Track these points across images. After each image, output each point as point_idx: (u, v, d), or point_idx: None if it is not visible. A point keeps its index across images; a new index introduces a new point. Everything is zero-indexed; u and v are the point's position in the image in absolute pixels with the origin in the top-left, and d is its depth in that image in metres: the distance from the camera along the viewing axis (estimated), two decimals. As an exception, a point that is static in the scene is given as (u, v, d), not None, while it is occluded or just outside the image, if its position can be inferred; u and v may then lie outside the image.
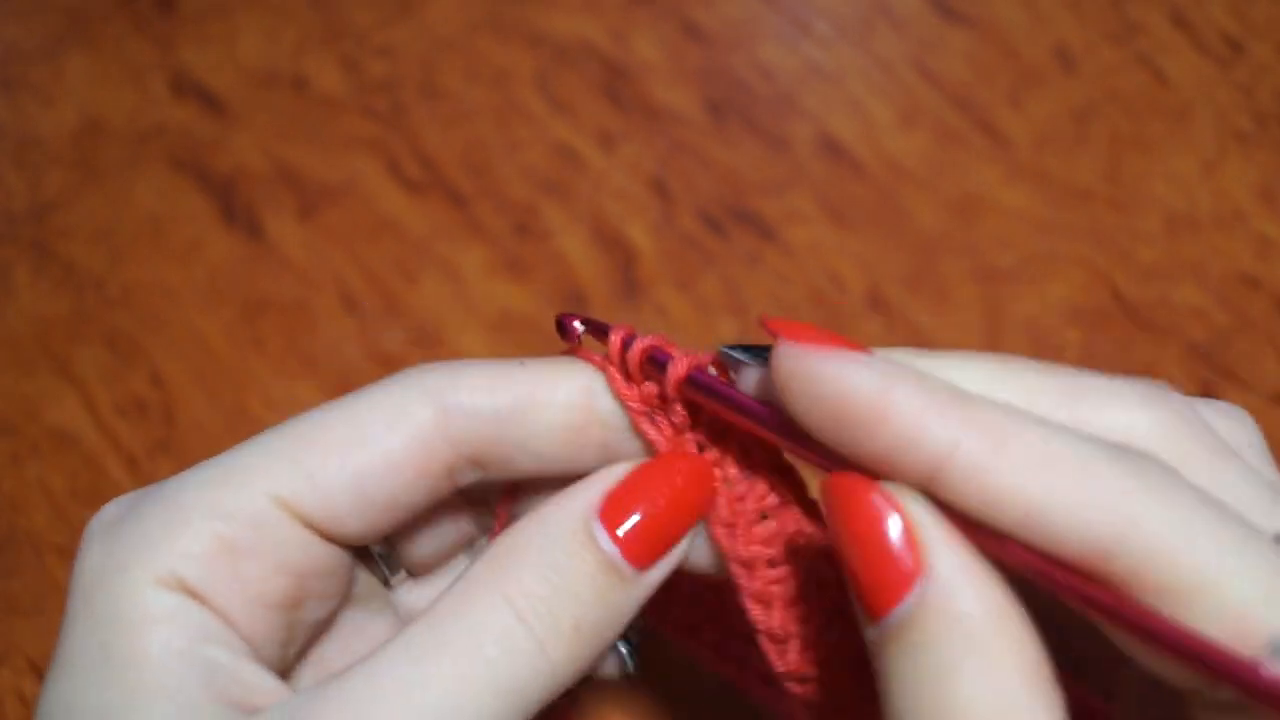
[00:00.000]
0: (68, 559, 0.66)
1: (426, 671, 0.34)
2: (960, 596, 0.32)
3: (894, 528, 0.32)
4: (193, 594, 0.36)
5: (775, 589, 0.39)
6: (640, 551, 0.37)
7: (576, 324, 0.42)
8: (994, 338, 0.69)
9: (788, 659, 0.39)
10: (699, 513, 0.39)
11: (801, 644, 0.39)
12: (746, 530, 0.39)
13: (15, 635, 0.64)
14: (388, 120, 0.79)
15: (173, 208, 0.77)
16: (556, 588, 0.36)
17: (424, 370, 0.40)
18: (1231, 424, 0.38)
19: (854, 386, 0.33)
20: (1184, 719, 0.34)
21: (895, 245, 0.72)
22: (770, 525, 0.39)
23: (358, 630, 0.43)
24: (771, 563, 0.39)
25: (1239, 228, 0.72)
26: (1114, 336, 0.69)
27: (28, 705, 0.62)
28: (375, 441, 0.38)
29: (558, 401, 0.39)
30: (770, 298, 0.71)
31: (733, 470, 0.40)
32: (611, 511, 0.37)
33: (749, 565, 0.39)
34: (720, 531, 0.39)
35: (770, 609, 0.39)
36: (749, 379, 0.39)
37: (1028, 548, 0.32)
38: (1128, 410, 0.36)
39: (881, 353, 0.38)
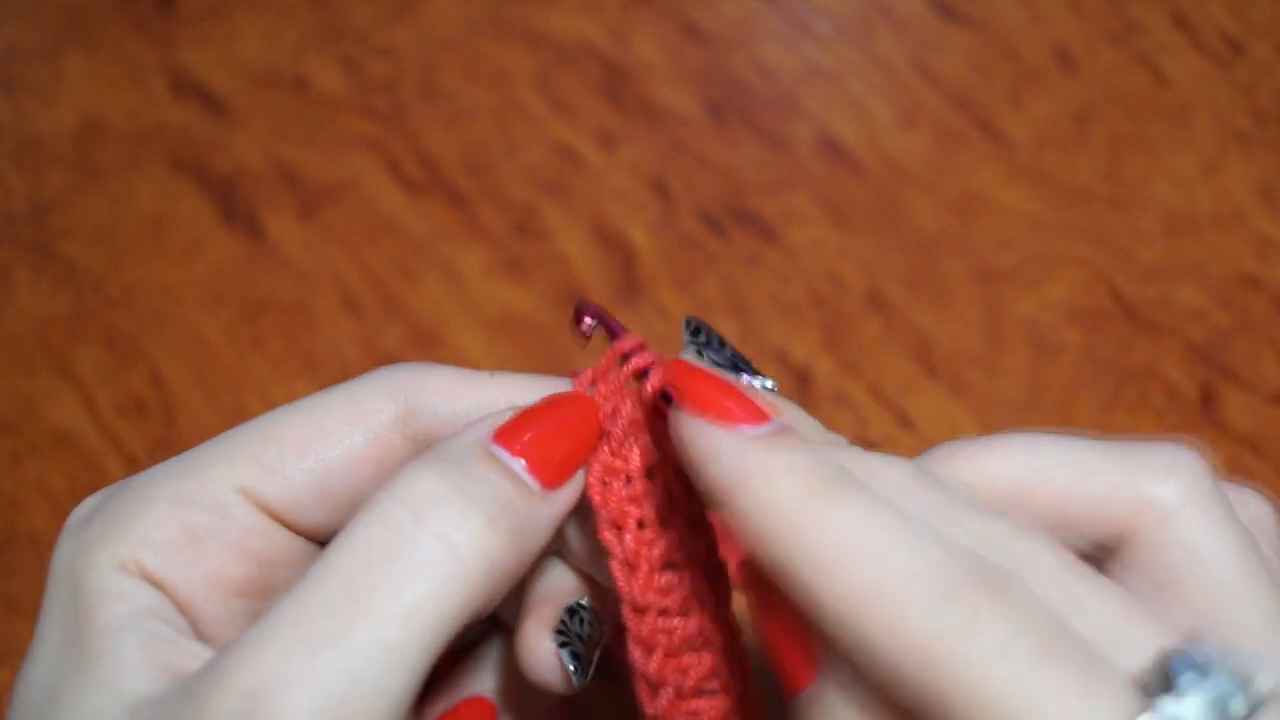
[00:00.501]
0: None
1: (332, 614, 0.33)
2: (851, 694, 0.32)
3: (794, 622, 0.33)
4: (151, 579, 0.37)
5: (660, 637, 0.39)
6: (543, 466, 0.37)
7: (588, 320, 0.42)
8: (994, 338, 0.69)
9: (650, 665, 0.39)
10: (590, 441, 0.39)
11: (675, 695, 0.39)
12: (647, 575, 0.39)
13: (15, 635, 0.64)
14: (388, 120, 0.79)
15: (173, 208, 0.77)
16: (460, 488, 0.35)
17: (392, 370, 0.41)
18: (1257, 509, 0.38)
19: (733, 464, 0.34)
20: None
21: (895, 245, 0.72)
22: (672, 577, 0.39)
23: None
24: (664, 612, 0.39)
25: (1239, 228, 0.72)
26: (1114, 336, 0.69)
27: (28, 705, 0.63)
28: (336, 436, 0.39)
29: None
30: (770, 298, 0.71)
31: (650, 513, 0.39)
32: (507, 435, 0.37)
33: (640, 609, 0.39)
34: (609, 536, 0.39)
35: (651, 655, 0.39)
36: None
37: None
38: (1148, 481, 0.35)
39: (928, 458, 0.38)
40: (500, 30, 0.82)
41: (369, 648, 0.33)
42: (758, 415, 0.35)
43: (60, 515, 0.69)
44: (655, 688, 0.39)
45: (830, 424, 0.69)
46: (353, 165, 0.77)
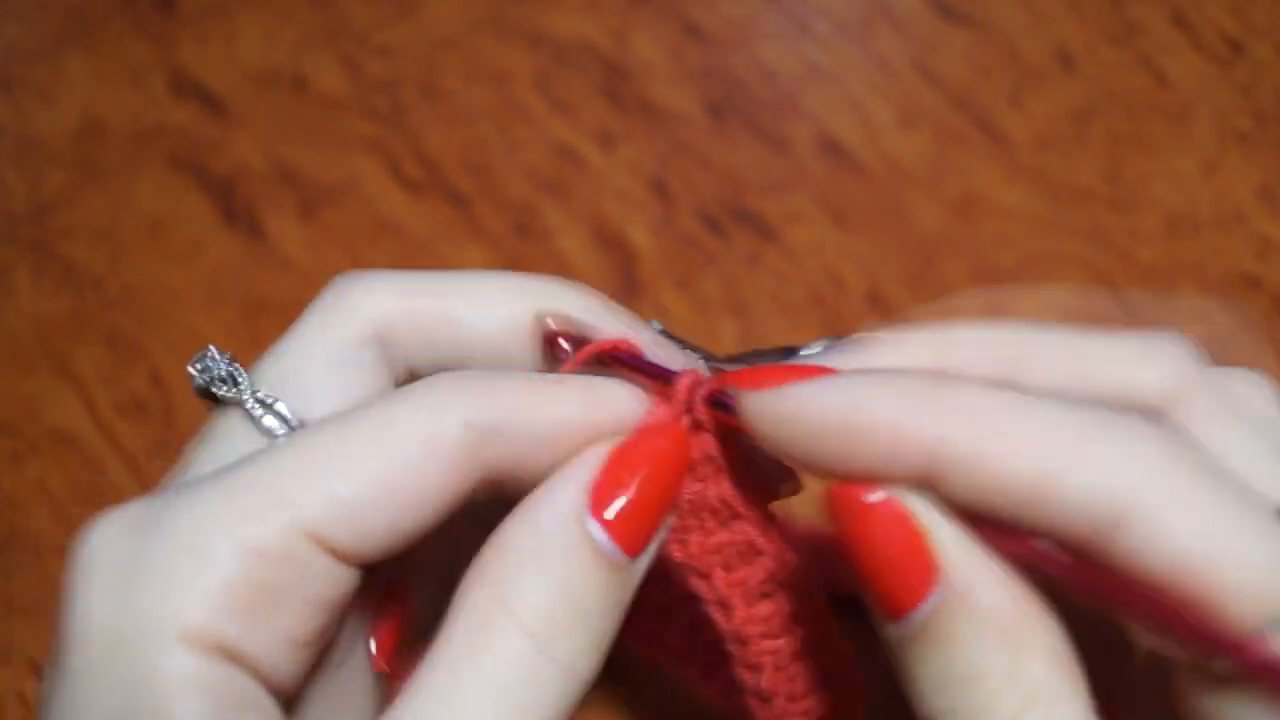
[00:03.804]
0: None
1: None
2: (979, 591, 0.32)
3: (904, 531, 0.33)
4: (224, 650, 0.33)
5: (767, 658, 0.39)
6: (631, 537, 0.36)
7: (563, 343, 0.40)
8: (994, 338, 0.69)
9: (761, 681, 0.40)
10: (680, 483, 0.38)
11: (774, 667, 0.40)
12: (744, 610, 0.39)
13: (15, 635, 0.64)
14: (388, 120, 0.79)
15: (173, 208, 0.77)
16: (562, 596, 0.34)
17: (457, 380, 0.37)
18: (1246, 387, 0.38)
19: (821, 411, 0.33)
20: (1187, 703, 0.34)
21: (895, 245, 0.72)
22: (767, 606, 0.39)
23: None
24: (766, 635, 0.39)
25: (1239, 228, 0.72)
26: (1114, 336, 0.69)
27: (28, 705, 0.62)
28: (409, 464, 0.35)
29: (590, 431, 0.37)
30: (770, 298, 0.71)
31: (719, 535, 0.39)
32: (600, 500, 0.35)
33: (742, 640, 0.39)
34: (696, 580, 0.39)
35: (760, 674, 0.40)
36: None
37: (1026, 535, 0.32)
38: (1130, 368, 0.36)
39: (871, 338, 0.38)
40: (500, 30, 0.82)
41: None
42: (828, 370, 0.35)
43: (60, 515, 0.69)
44: (767, 699, 0.40)
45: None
46: (353, 165, 0.77)
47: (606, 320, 0.42)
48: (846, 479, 0.34)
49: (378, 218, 0.76)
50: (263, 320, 0.73)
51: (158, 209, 0.77)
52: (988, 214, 0.73)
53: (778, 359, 0.40)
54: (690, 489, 0.38)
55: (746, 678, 0.40)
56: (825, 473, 0.34)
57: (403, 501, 0.35)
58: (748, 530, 0.39)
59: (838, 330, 0.70)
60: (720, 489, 0.38)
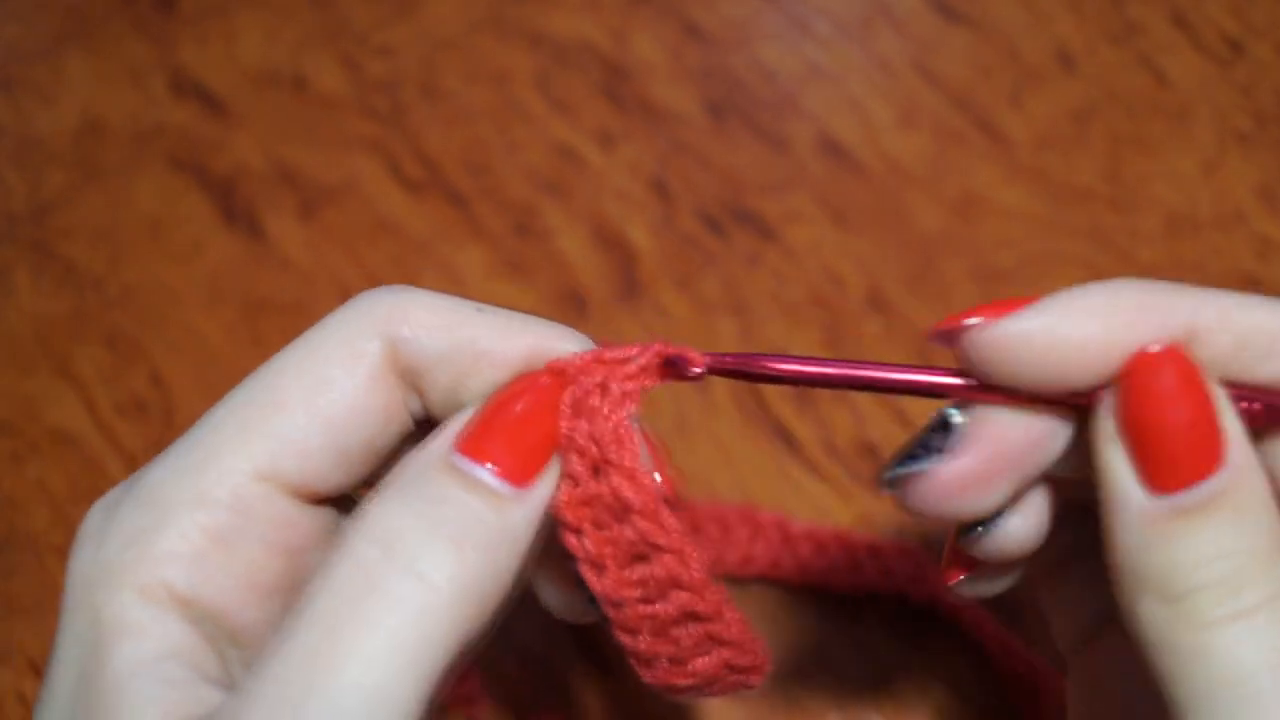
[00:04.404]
0: (67, 559, 0.66)
1: (314, 666, 0.32)
2: (1253, 470, 0.35)
3: (1198, 399, 0.35)
4: (180, 599, 0.35)
5: (644, 622, 0.38)
6: (512, 467, 0.35)
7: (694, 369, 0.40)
8: (994, 338, 0.69)
9: (639, 644, 0.39)
10: (554, 425, 0.37)
11: (652, 631, 0.39)
12: (616, 571, 0.38)
13: (15, 635, 0.64)
14: (388, 120, 0.79)
15: (173, 208, 0.77)
16: (424, 515, 0.34)
17: (372, 298, 0.39)
18: None
19: (1082, 323, 0.35)
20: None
21: (895, 245, 0.72)
22: (644, 568, 0.38)
23: None
24: (643, 600, 0.38)
25: (1239, 228, 0.72)
26: (1114, 336, 0.69)
27: (28, 705, 0.62)
28: (337, 387, 0.37)
29: (505, 359, 0.38)
30: (770, 298, 0.71)
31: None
32: (470, 442, 0.35)
33: (616, 604, 0.38)
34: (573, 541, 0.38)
35: (638, 637, 0.39)
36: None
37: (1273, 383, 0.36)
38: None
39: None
40: (500, 30, 0.82)
41: (354, 695, 0.31)
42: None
43: (60, 515, 0.69)
44: (647, 662, 0.39)
45: (830, 423, 0.70)
46: (353, 165, 0.77)
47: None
48: (1093, 387, 0.36)
49: (378, 218, 0.76)
50: (263, 320, 0.73)
51: (158, 209, 0.77)
52: (988, 214, 0.73)
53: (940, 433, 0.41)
54: (572, 425, 0.37)
55: (625, 640, 0.39)
56: (1073, 386, 0.36)
57: (336, 421, 0.37)
58: (621, 486, 0.37)
59: (838, 330, 0.70)
60: (596, 428, 0.37)
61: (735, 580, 0.62)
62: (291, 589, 0.37)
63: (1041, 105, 0.76)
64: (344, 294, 0.73)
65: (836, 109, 0.77)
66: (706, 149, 0.76)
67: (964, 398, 0.38)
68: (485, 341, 0.38)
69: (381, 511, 0.34)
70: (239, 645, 0.37)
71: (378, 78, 0.80)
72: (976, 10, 0.80)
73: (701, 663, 0.40)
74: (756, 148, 0.76)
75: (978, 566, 0.43)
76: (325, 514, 0.39)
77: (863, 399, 0.68)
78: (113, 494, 0.38)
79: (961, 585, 0.44)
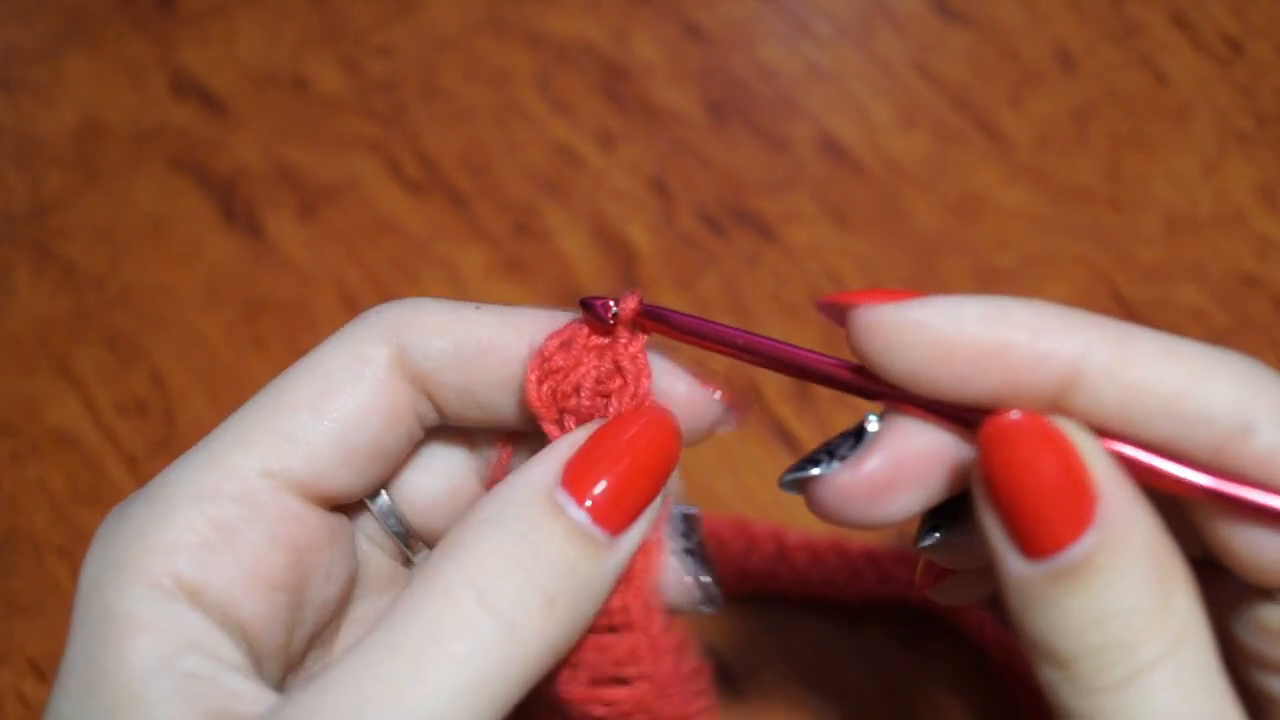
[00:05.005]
0: (68, 559, 0.66)
1: (389, 683, 0.32)
2: (1135, 524, 0.33)
3: (1063, 457, 0.33)
4: (188, 589, 0.35)
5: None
6: (612, 514, 0.35)
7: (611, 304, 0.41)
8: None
9: (573, 688, 0.38)
10: (667, 469, 0.38)
11: (590, 680, 0.39)
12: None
13: (15, 635, 0.64)
14: (388, 120, 0.79)
15: (173, 208, 0.77)
16: (521, 564, 0.34)
17: (380, 310, 0.40)
18: None
19: (957, 324, 0.34)
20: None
21: (895, 245, 0.72)
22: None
23: (377, 616, 0.42)
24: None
25: (1239, 228, 0.72)
26: (1114, 336, 0.69)
27: (28, 705, 0.62)
28: (343, 389, 0.38)
29: (509, 354, 0.39)
30: (770, 298, 0.71)
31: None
32: (576, 477, 0.35)
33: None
34: None
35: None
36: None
37: (1161, 444, 0.33)
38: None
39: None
40: (500, 30, 0.82)
41: None
42: (902, 293, 0.36)
43: (60, 515, 0.69)
44: (575, 666, 0.38)
45: (831, 424, 0.69)
46: (353, 165, 0.77)
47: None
48: (968, 402, 0.34)
49: (378, 218, 0.76)
50: (263, 320, 0.73)
51: (158, 209, 0.77)
52: (988, 214, 0.73)
53: (852, 441, 0.40)
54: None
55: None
56: (946, 394, 0.34)
57: (342, 419, 0.38)
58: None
59: (837, 330, 0.70)
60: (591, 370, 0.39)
61: (734, 596, 0.62)
62: (297, 587, 0.38)
63: (1041, 105, 0.76)
64: (344, 294, 0.74)
65: (836, 109, 0.77)
66: (706, 149, 0.76)
67: (851, 390, 0.37)
68: (487, 338, 0.39)
69: (477, 548, 0.34)
70: (246, 639, 0.37)
71: (378, 78, 0.80)
72: (976, 10, 0.80)
73: (618, 693, 0.38)
74: (756, 148, 0.76)
75: (949, 573, 0.43)
76: (333, 518, 0.40)
77: (862, 401, 0.68)
78: (128, 499, 0.38)
79: (935, 593, 0.44)
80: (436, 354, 0.39)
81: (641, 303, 0.40)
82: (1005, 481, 0.33)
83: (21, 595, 0.66)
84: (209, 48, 0.82)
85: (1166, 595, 0.32)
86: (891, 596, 0.60)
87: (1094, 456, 0.33)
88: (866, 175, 0.75)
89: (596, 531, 0.35)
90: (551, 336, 0.39)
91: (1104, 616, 0.32)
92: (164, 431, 0.70)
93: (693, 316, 0.39)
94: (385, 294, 0.73)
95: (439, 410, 0.40)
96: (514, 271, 0.73)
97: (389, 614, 0.34)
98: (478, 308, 0.40)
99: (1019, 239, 0.72)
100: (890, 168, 0.75)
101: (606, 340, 0.40)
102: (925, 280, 0.71)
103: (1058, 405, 0.34)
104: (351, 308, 0.73)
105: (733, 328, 0.39)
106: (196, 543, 0.36)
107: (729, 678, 0.61)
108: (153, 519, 0.36)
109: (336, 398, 0.38)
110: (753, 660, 0.62)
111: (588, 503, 0.35)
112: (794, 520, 0.62)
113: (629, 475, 0.36)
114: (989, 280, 0.71)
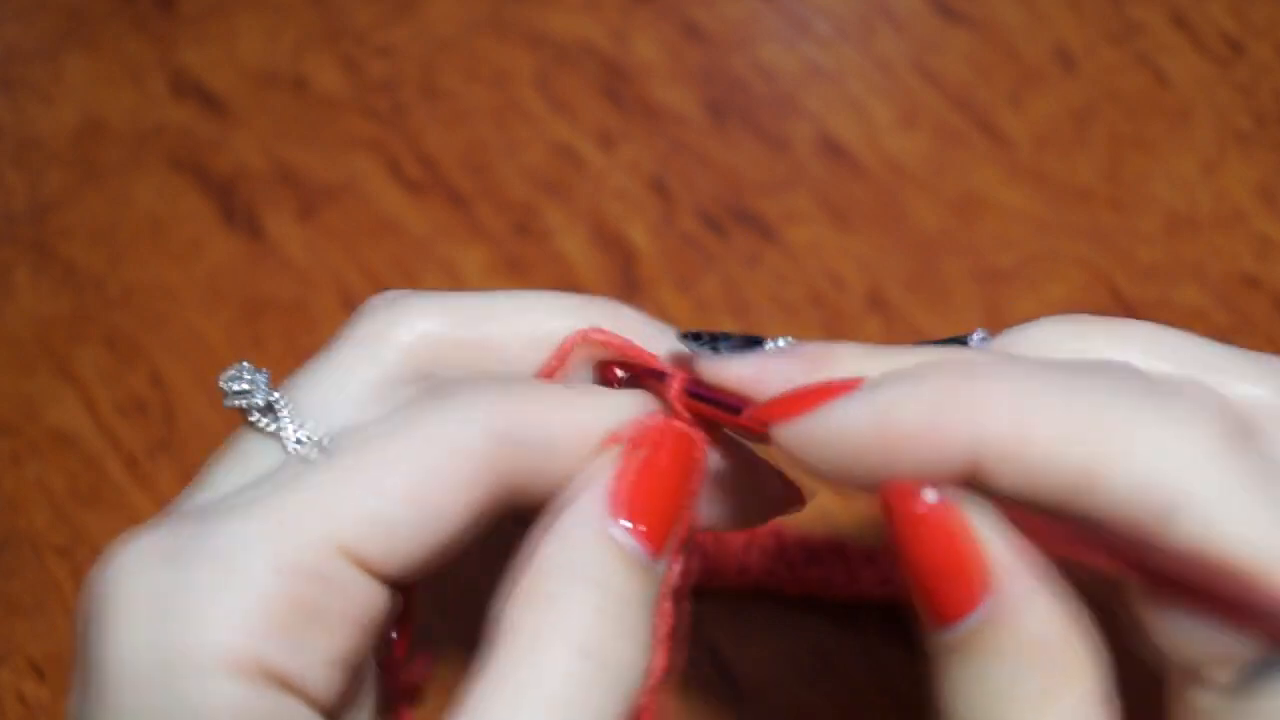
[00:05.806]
0: (68, 559, 0.66)
1: None
2: (1027, 612, 0.31)
3: (957, 538, 0.32)
4: (267, 673, 0.33)
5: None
6: (655, 537, 0.36)
7: (619, 372, 0.41)
8: (994, 338, 0.69)
9: None
10: (692, 483, 0.38)
11: None
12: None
13: (15, 635, 0.64)
14: (388, 120, 0.79)
15: (173, 208, 0.77)
16: (603, 606, 0.34)
17: (476, 388, 0.37)
18: None
19: (853, 428, 0.33)
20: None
21: (895, 245, 0.72)
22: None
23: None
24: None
25: (1239, 228, 0.72)
26: (1114, 336, 0.69)
27: (28, 705, 0.62)
28: (440, 484, 0.35)
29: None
30: (770, 298, 0.71)
31: None
32: (618, 503, 0.35)
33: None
34: None
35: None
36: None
37: (1078, 527, 0.32)
38: (1246, 383, 0.36)
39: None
40: (500, 30, 0.82)
41: None
42: (847, 384, 0.34)
43: (60, 515, 0.69)
44: None
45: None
46: (353, 165, 0.77)
47: (655, 340, 0.43)
48: (893, 491, 0.33)
49: (378, 218, 0.76)
50: (263, 320, 0.73)
51: (158, 209, 0.77)
52: (988, 214, 0.73)
53: (741, 345, 0.40)
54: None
55: None
56: (873, 490, 0.34)
57: (429, 512, 0.35)
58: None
59: (838, 330, 0.70)
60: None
61: (732, 591, 0.62)
62: (362, 663, 0.36)
63: (1041, 105, 0.76)
64: (344, 294, 0.74)
65: (836, 109, 0.77)
66: (706, 149, 0.76)
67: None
68: (588, 426, 0.37)
69: (560, 601, 0.34)
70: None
71: (378, 78, 0.80)
72: (976, 10, 0.80)
73: None
74: (756, 148, 0.76)
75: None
76: (389, 592, 0.38)
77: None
78: (162, 542, 0.34)
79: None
80: (539, 447, 0.37)
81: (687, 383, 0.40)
82: (900, 549, 0.33)
83: (21, 595, 0.66)
84: (209, 48, 0.82)
85: (1048, 692, 0.31)
86: (891, 597, 0.60)
87: (991, 539, 0.32)
88: (866, 175, 0.75)
89: (646, 558, 0.35)
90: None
91: (987, 694, 0.32)
92: (164, 431, 0.70)
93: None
94: (385, 294, 0.73)
95: (520, 500, 0.38)
96: (514, 271, 0.73)
97: (481, 681, 0.33)
98: (572, 389, 0.39)
99: (1019, 239, 0.72)
100: (890, 168, 0.75)
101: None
102: (925, 280, 0.71)
103: (975, 480, 0.32)
104: (352, 308, 0.72)
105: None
106: (278, 625, 0.33)
107: (728, 676, 0.61)
108: (223, 592, 0.32)
109: (429, 491, 0.35)
110: (752, 659, 0.62)
111: (632, 524, 0.35)
112: (794, 520, 0.62)
113: (662, 492, 0.36)
114: (989, 280, 0.71)
